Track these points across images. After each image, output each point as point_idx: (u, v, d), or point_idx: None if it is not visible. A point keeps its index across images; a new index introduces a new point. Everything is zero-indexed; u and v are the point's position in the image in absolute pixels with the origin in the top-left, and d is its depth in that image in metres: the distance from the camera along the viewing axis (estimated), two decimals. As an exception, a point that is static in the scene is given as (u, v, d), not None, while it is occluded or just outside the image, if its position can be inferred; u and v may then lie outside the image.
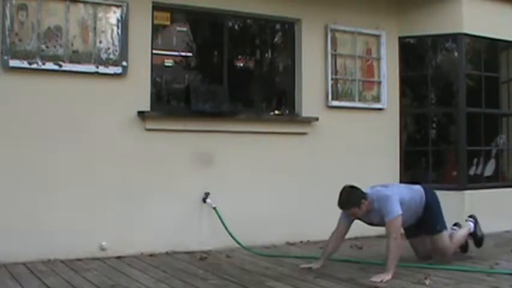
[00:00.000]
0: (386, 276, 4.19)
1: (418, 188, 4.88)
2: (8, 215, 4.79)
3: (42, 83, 5.00)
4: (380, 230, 6.39)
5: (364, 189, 4.58)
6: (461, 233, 5.14)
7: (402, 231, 4.61)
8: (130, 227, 5.22)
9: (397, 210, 4.43)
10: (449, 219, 6.36)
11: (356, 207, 4.50)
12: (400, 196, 4.54)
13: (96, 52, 5.19)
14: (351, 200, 4.51)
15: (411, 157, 6.93)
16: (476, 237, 5.22)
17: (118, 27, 5.27)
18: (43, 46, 4.97)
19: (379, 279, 4.15)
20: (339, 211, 6.07)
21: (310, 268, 4.58)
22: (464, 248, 5.28)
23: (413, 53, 7.14)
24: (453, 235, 5.05)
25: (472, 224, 5.21)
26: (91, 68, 5.15)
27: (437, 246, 4.85)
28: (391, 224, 4.41)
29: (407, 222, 4.72)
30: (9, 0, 4.83)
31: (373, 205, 4.53)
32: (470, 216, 5.31)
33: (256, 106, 6.42)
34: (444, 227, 4.87)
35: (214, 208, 5.54)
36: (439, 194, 6.69)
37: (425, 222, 4.81)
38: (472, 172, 6.89)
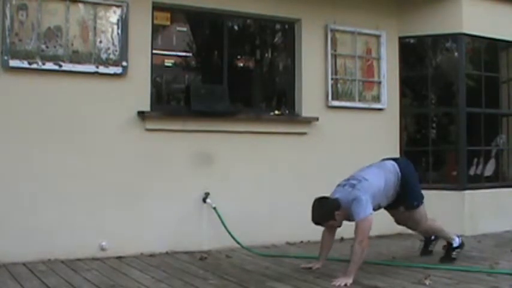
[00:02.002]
0: (348, 280, 4.03)
1: (390, 166, 4.68)
2: (8, 215, 4.79)
3: (42, 83, 5.00)
4: (380, 230, 6.41)
5: (333, 191, 4.47)
6: (439, 227, 4.96)
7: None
8: (130, 227, 5.22)
9: (367, 211, 4.24)
10: (449, 219, 6.39)
11: (331, 219, 4.37)
12: (372, 191, 4.36)
13: (96, 52, 5.18)
14: (324, 215, 4.37)
15: (411, 157, 6.87)
16: (427, 247, 5.18)
17: (118, 27, 5.27)
18: (43, 46, 4.97)
19: (343, 283, 3.99)
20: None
21: (310, 268, 4.57)
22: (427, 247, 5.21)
23: (413, 53, 7.14)
24: (433, 222, 4.92)
25: (457, 240, 5.02)
26: (91, 68, 5.15)
27: (413, 218, 4.78)
28: (359, 225, 4.22)
29: (388, 202, 4.66)
30: (9, 0, 4.83)
31: (347, 210, 4.34)
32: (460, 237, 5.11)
33: (256, 106, 6.43)
34: (421, 202, 4.74)
35: (214, 208, 5.54)
36: (439, 194, 6.71)
37: (403, 198, 4.69)
38: (472, 172, 6.89)
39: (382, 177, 4.54)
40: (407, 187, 4.66)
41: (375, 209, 4.42)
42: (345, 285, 3.99)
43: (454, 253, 4.83)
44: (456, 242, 4.84)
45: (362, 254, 4.20)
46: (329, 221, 4.39)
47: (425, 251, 5.21)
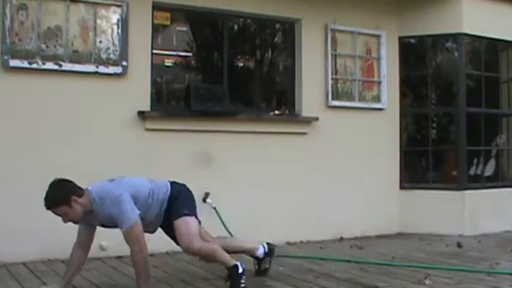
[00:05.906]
0: None
1: (163, 182, 4.09)
2: (8, 215, 4.79)
3: (42, 83, 5.00)
4: (381, 230, 6.41)
5: (94, 184, 3.83)
6: (238, 243, 4.29)
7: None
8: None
9: (131, 216, 3.62)
10: (449, 219, 6.41)
11: (65, 205, 3.61)
12: (131, 192, 3.72)
13: (96, 52, 5.18)
14: (57, 197, 3.62)
15: (411, 157, 6.93)
16: (260, 266, 4.37)
17: (118, 27, 5.27)
18: (43, 46, 4.97)
19: None
20: (338, 211, 6.09)
21: None
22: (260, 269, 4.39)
23: (413, 53, 7.14)
24: (229, 240, 4.33)
25: (262, 250, 4.35)
26: (91, 67, 5.15)
27: (181, 232, 3.87)
28: (128, 234, 3.61)
29: (156, 221, 3.99)
30: (9, 0, 4.83)
31: (94, 205, 3.69)
32: (269, 244, 4.41)
33: (256, 106, 6.42)
34: (194, 214, 3.99)
35: (214, 208, 5.54)
36: (439, 194, 6.69)
37: (171, 209, 3.96)
38: (472, 172, 6.89)
39: (145, 185, 3.93)
40: (177, 200, 4.01)
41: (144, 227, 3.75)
42: None
43: (242, 281, 3.85)
44: (240, 267, 3.89)
45: (145, 264, 3.63)
46: (62, 205, 3.63)
47: (259, 271, 4.38)
